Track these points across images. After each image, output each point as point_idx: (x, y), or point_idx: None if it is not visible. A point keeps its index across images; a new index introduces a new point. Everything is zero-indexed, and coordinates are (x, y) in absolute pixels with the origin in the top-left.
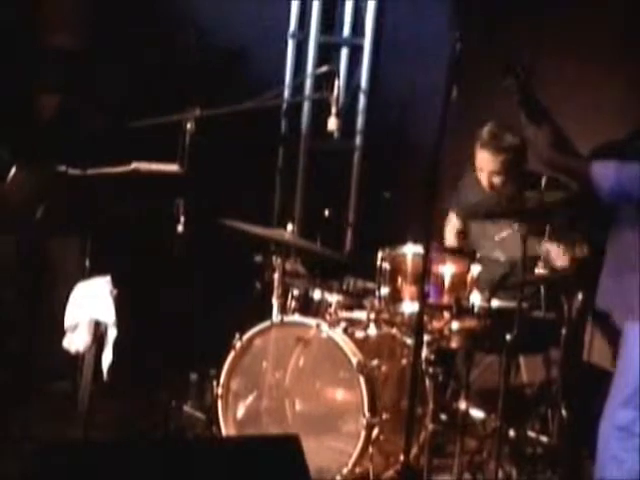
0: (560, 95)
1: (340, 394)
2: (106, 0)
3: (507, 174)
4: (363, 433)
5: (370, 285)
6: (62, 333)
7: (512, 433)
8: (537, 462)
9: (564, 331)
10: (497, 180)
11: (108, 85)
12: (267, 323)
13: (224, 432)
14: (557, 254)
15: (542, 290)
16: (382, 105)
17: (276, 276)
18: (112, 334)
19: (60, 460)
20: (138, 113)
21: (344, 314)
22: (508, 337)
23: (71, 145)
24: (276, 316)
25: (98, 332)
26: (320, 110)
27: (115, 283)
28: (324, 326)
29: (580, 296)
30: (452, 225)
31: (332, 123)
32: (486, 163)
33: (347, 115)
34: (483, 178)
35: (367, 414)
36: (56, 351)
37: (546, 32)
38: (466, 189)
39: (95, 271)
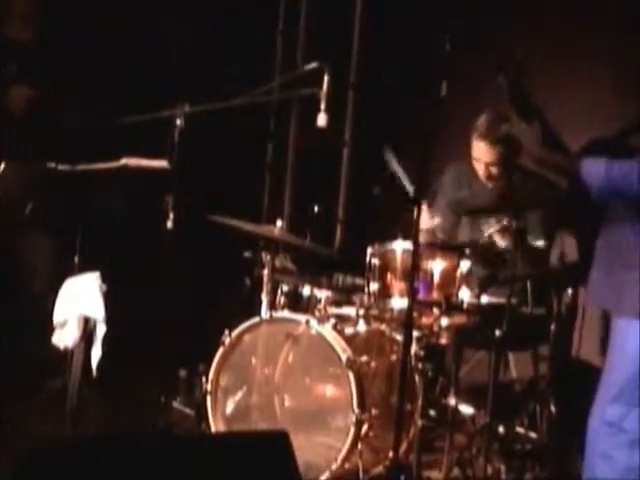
0: (549, 93)
1: (329, 390)
2: None
3: (504, 165)
4: (352, 429)
5: (359, 281)
6: (50, 331)
7: (501, 429)
8: (526, 458)
9: (553, 327)
10: (495, 171)
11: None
12: (256, 319)
13: (213, 428)
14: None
15: (529, 286)
16: (371, 101)
17: (265, 272)
18: (101, 330)
19: (49, 457)
20: (127, 109)
21: (333, 310)
22: (497, 333)
23: (51, 141)
24: (265, 312)
25: (87, 328)
26: (309, 106)
27: (104, 279)
28: (313, 322)
29: (569, 292)
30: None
31: (321, 119)
32: (483, 154)
33: (336, 111)
34: (480, 169)
35: (356, 410)
36: (46, 348)
37: (536, 30)
38: (449, 184)
39: (84, 267)
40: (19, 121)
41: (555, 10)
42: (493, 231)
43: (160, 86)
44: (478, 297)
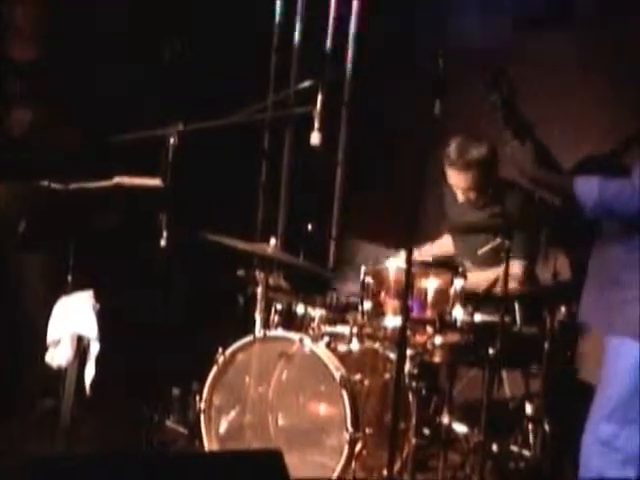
0: (543, 111)
1: (323, 409)
2: (83, 10)
3: (481, 187)
4: (346, 448)
5: (353, 299)
6: (43, 349)
7: (495, 447)
8: (520, 477)
9: (547, 345)
10: (472, 195)
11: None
12: (250, 338)
13: (207, 447)
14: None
15: (516, 305)
16: (365, 119)
17: (259, 290)
18: (95, 349)
19: (44, 475)
20: (121, 127)
21: (327, 328)
22: (491, 351)
23: (46, 160)
24: (259, 331)
25: (80, 347)
26: (303, 124)
27: (97, 298)
28: (307, 340)
29: (563, 310)
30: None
31: (315, 137)
32: (457, 181)
33: (330, 129)
34: (459, 194)
35: (350, 429)
36: (40, 367)
37: (529, 48)
38: (447, 202)
39: (77, 285)
40: (17, 141)
41: (549, 28)
42: (486, 250)
43: (156, 104)
44: (472, 315)
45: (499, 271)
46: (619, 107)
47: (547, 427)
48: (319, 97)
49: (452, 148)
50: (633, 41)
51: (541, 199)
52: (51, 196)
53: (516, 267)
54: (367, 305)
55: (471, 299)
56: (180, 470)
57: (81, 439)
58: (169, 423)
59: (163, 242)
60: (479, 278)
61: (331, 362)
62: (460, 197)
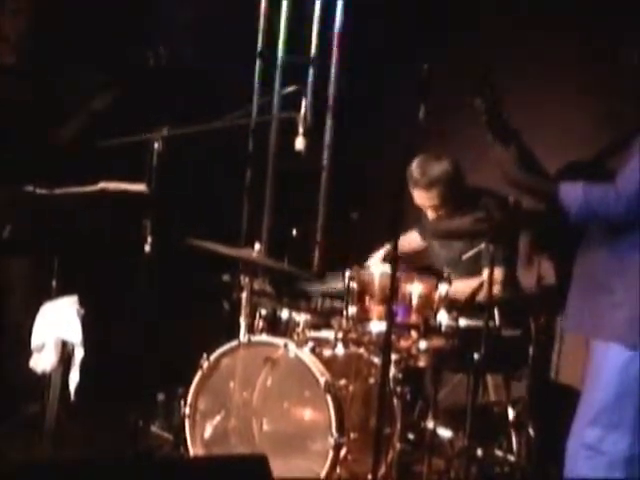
0: (528, 116)
1: (308, 414)
2: (70, 16)
3: (448, 203)
4: (331, 453)
5: (338, 304)
6: (27, 354)
7: (480, 452)
8: None
9: (531, 350)
10: (442, 212)
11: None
12: (235, 343)
13: (192, 452)
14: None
15: (495, 310)
16: (349, 125)
17: (244, 295)
18: (79, 354)
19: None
20: (106, 131)
21: (312, 333)
22: (476, 356)
23: (30, 164)
24: (244, 335)
25: (65, 352)
26: (288, 129)
27: (82, 303)
28: (292, 345)
29: (547, 316)
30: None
31: (299, 142)
32: (424, 200)
33: (314, 135)
34: (429, 213)
35: (335, 434)
36: (24, 372)
37: (514, 54)
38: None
39: (61, 290)
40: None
41: (530, 34)
42: (471, 254)
43: (140, 108)
44: (456, 320)
45: (481, 278)
46: (602, 113)
47: (532, 432)
48: (303, 102)
49: (414, 168)
50: (616, 47)
51: (516, 204)
52: (36, 201)
53: (496, 273)
54: (352, 310)
55: (455, 306)
56: (165, 475)
57: (66, 445)
58: (154, 428)
59: (148, 247)
60: (464, 287)
61: (316, 367)
62: (430, 215)
